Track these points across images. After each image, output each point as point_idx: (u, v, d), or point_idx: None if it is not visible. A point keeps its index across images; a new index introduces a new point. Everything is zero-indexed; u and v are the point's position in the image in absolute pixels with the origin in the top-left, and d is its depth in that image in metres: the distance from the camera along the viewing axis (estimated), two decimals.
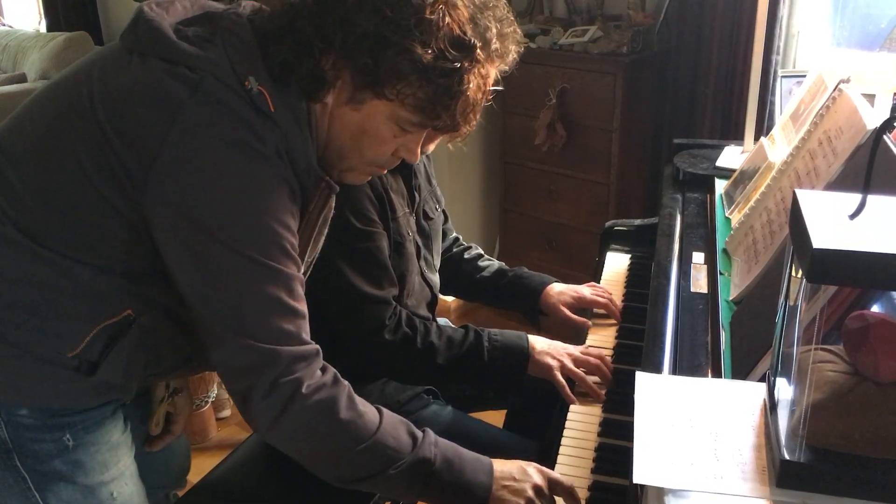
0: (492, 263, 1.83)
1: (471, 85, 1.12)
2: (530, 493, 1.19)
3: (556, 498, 1.22)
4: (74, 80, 1.14)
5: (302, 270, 1.17)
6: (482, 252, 1.86)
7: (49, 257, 1.11)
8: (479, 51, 1.12)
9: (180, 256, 1.08)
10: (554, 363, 1.51)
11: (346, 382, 1.16)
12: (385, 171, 1.28)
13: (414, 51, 1.06)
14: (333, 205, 1.21)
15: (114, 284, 1.13)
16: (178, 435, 1.48)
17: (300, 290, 1.12)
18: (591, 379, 1.50)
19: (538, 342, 1.55)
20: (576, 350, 1.55)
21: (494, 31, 1.37)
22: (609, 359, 1.56)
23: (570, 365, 1.51)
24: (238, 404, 1.12)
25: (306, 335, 1.12)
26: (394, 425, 1.16)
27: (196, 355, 1.23)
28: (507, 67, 1.47)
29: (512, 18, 1.43)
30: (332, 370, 1.15)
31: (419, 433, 1.18)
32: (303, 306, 1.12)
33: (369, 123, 1.14)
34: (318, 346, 1.14)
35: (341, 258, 1.40)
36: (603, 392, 1.48)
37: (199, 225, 1.05)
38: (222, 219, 1.05)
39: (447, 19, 1.09)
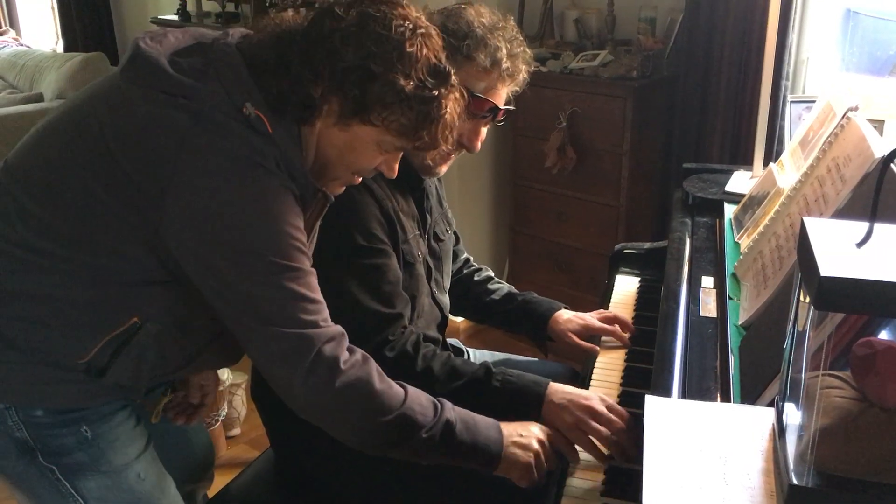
0: (501, 287, 1.83)
1: (447, 109, 1.21)
2: (536, 446, 1.32)
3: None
4: (81, 111, 1.21)
5: None
6: (493, 275, 1.87)
7: (64, 272, 1.17)
8: (453, 77, 1.21)
9: (203, 269, 1.15)
10: (570, 419, 1.36)
11: (373, 360, 1.25)
12: (360, 181, 1.33)
13: (397, 82, 1.14)
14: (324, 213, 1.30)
15: (122, 294, 1.19)
16: (209, 406, 1.57)
17: (315, 283, 1.20)
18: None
19: (556, 396, 1.40)
20: (600, 404, 1.38)
21: (504, 50, 1.41)
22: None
23: (591, 423, 1.35)
24: (282, 392, 1.20)
25: (328, 319, 1.20)
26: (417, 393, 1.27)
27: (199, 354, 1.30)
28: (518, 88, 1.50)
29: (521, 39, 1.46)
30: (359, 350, 1.23)
31: (437, 400, 1.28)
32: (320, 296, 1.21)
33: (355, 142, 1.22)
34: (342, 328, 1.22)
35: (349, 275, 1.41)
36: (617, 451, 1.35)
37: (219, 238, 1.12)
38: (240, 230, 1.13)
39: (424, 50, 1.17)
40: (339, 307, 1.42)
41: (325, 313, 1.21)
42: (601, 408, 1.36)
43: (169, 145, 1.11)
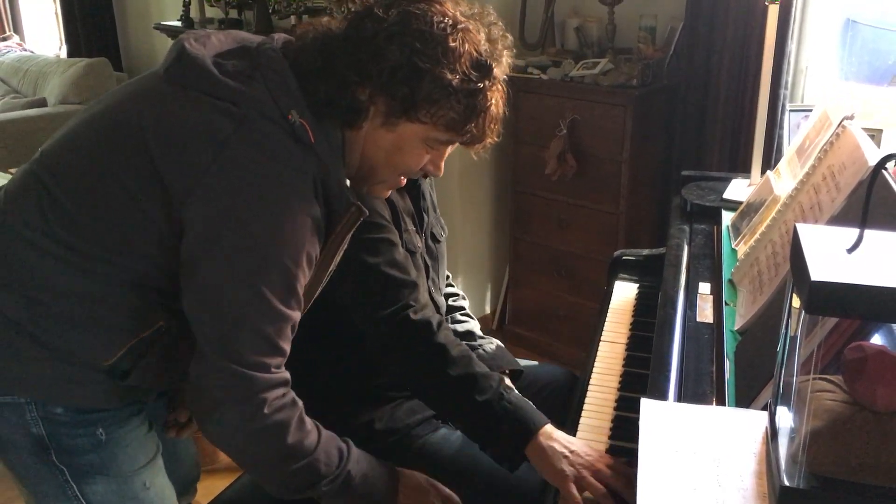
0: (465, 322, 1.77)
1: (493, 100, 1.22)
2: (435, 501, 1.35)
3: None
4: (121, 108, 1.20)
5: (322, 285, 1.28)
6: (466, 308, 1.81)
7: (95, 271, 1.17)
8: (495, 69, 1.22)
9: (193, 277, 1.14)
10: (569, 471, 1.27)
11: (301, 403, 1.24)
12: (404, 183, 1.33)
13: (444, 77, 1.15)
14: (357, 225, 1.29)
15: (151, 298, 1.20)
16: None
17: (290, 333, 1.20)
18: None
19: (557, 442, 1.32)
20: (600, 461, 1.29)
21: (483, 35, 1.42)
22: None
23: (590, 478, 1.26)
24: (198, 416, 1.20)
25: (282, 367, 1.20)
26: (327, 442, 1.27)
27: None
28: (503, 74, 1.50)
29: (501, 25, 1.47)
30: (291, 393, 1.22)
31: (344, 449, 1.29)
32: (288, 346, 1.20)
33: (403, 142, 1.22)
34: (288, 375, 1.21)
35: (361, 249, 1.41)
36: None
37: (220, 253, 1.12)
38: (244, 251, 1.12)
39: (466, 45, 1.18)
40: (357, 278, 1.42)
41: (282, 362, 1.20)
42: (602, 466, 1.27)
43: (207, 149, 1.11)
